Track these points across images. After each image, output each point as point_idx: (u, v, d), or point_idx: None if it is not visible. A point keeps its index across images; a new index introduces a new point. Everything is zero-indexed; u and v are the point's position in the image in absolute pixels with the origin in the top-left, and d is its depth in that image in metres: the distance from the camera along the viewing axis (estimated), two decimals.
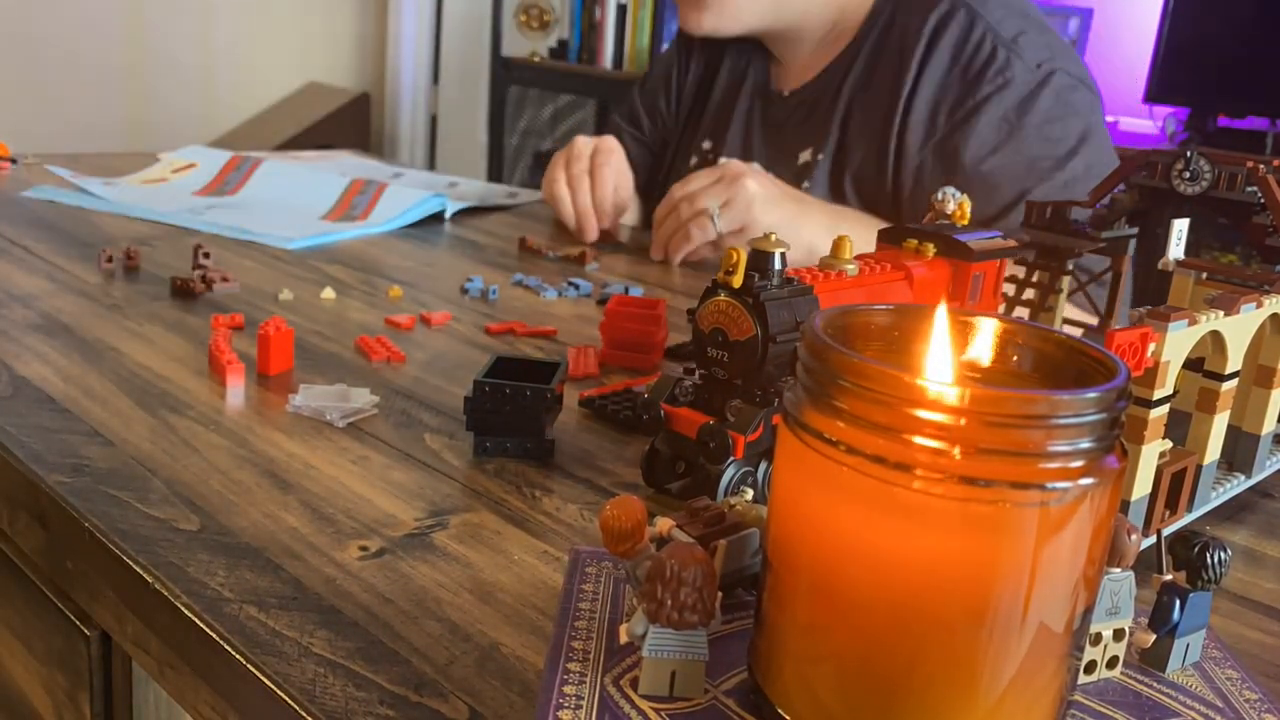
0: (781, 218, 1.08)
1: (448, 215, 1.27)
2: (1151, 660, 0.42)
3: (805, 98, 1.29)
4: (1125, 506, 0.50)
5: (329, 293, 0.91)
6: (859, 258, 0.62)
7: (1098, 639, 0.40)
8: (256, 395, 0.68)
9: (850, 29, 1.26)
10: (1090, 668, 0.40)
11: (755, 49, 1.35)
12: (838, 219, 1.13)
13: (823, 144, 1.25)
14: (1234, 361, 0.55)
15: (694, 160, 1.38)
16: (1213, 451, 0.57)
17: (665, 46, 3.22)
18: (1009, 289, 0.71)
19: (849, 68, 1.24)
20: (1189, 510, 0.57)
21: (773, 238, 0.54)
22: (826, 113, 1.25)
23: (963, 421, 0.31)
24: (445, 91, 3.96)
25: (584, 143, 1.26)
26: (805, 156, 1.26)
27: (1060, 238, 0.69)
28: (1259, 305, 0.56)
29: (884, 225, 1.10)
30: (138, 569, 0.48)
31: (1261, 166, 0.60)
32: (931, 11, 1.18)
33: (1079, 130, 1.15)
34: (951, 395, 0.31)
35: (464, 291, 0.96)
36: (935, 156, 1.17)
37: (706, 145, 1.38)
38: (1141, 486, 0.51)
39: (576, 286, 0.99)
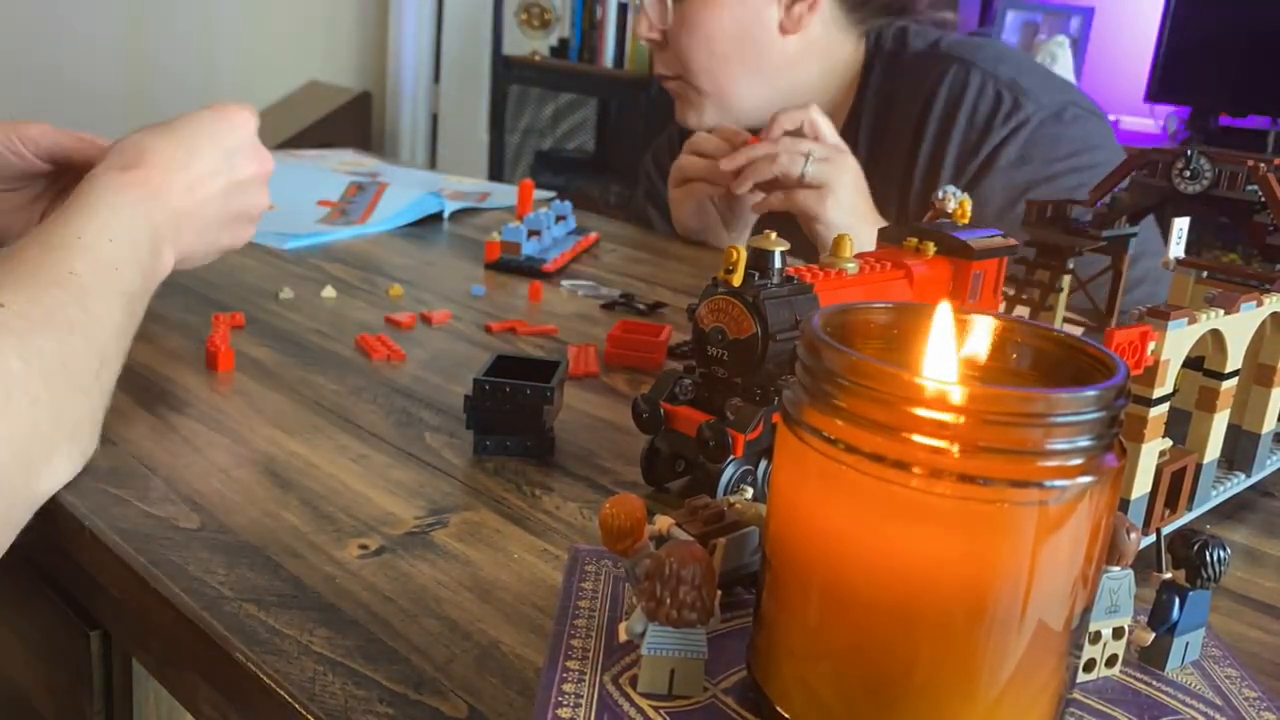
0: (857, 204, 1.07)
1: (446, 215, 1.27)
2: (1151, 658, 0.42)
3: None
4: (1125, 505, 0.50)
5: (330, 291, 0.91)
6: (859, 256, 0.62)
7: (1097, 637, 0.40)
8: (257, 394, 0.68)
9: (843, 101, 1.24)
10: (1089, 666, 0.40)
11: None
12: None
13: None
14: (1234, 360, 0.55)
15: None
16: (1213, 450, 0.57)
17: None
18: (1009, 288, 0.71)
19: (852, 141, 1.20)
20: (1189, 509, 0.57)
21: (772, 236, 0.54)
22: None
23: (961, 420, 0.31)
24: (446, 90, 3.96)
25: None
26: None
27: (1060, 236, 0.69)
28: (1259, 304, 0.56)
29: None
30: (138, 567, 0.48)
31: (1262, 165, 0.60)
32: (928, 75, 1.16)
33: (1104, 161, 1.13)
34: (950, 393, 0.31)
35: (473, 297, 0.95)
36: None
37: None
38: (1141, 485, 0.51)
39: None
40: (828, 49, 1.21)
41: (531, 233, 1.07)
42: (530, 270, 1.03)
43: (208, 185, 0.70)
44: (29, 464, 0.50)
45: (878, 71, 1.22)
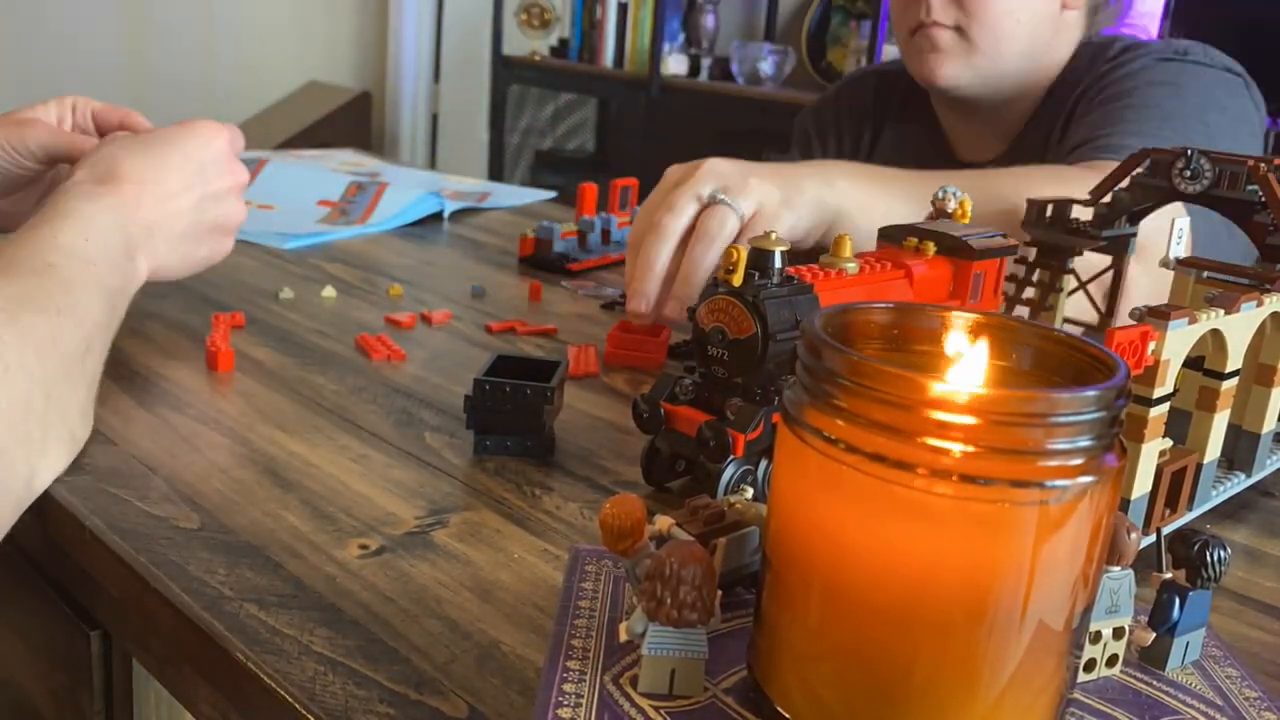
0: (801, 177, 0.82)
1: (446, 215, 1.27)
2: (1151, 658, 0.42)
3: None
4: (1125, 505, 0.50)
5: (330, 291, 0.91)
6: (859, 256, 0.62)
7: (1097, 637, 0.40)
8: (257, 394, 0.68)
9: (1039, 94, 1.23)
10: (1090, 666, 0.40)
11: (923, 120, 1.30)
12: (872, 174, 0.89)
13: None
14: (1234, 360, 0.55)
15: None
16: (1213, 450, 0.57)
17: (667, 48, 3.24)
18: (1009, 288, 0.71)
19: (1048, 134, 1.19)
20: (1189, 509, 0.57)
21: (773, 236, 0.54)
22: None
23: (962, 420, 0.31)
24: (446, 90, 3.96)
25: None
26: None
27: (1061, 236, 0.69)
28: (1259, 304, 0.56)
29: (934, 179, 0.84)
30: (138, 567, 0.48)
31: (1262, 165, 0.60)
32: (1104, 56, 1.17)
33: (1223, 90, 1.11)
34: (951, 394, 0.31)
35: (474, 296, 0.95)
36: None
37: None
38: (1142, 485, 0.51)
39: None
40: (1075, 37, 1.21)
41: (571, 233, 1.08)
42: (556, 266, 1.05)
43: (179, 198, 0.71)
44: (27, 437, 0.50)
45: (1083, 61, 1.20)
